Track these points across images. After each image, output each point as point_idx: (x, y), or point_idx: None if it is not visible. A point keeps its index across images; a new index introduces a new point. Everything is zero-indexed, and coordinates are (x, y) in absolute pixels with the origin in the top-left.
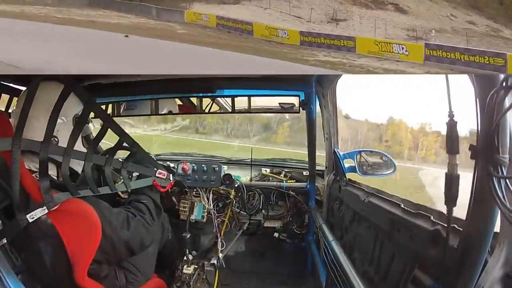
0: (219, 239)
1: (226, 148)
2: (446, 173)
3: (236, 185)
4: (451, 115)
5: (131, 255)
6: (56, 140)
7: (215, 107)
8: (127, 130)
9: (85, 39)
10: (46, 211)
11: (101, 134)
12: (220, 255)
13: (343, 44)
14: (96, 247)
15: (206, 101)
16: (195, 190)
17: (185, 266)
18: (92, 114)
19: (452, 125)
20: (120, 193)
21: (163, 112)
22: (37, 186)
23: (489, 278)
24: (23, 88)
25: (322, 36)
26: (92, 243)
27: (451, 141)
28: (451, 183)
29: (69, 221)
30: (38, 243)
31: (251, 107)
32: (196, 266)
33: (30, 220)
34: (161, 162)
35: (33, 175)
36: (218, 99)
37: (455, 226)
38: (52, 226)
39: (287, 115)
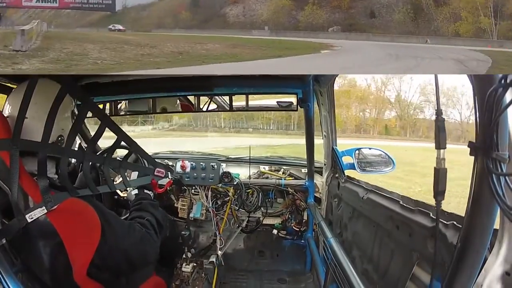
0: (218, 237)
1: None
2: (434, 168)
3: (234, 183)
4: (439, 112)
5: (130, 267)
6: (63, 138)
7: (212, 105)
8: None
9: None
10: (45, 211)
11: (99, 133)
12: (219, 252)
13: None
14: (95, 246)
15: (204, 99)
16: (193, 188)
17: (184, 264)
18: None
19: (439, 121)
20: (119, 191)
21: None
22: (35, 186)
23: (488, 276)
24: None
25: None
26: (91, 242)
27: (439, 137)
28: (439, 177)
29: (68, 221)
30: (37, 243)
31: (249, 105)
32: (195, 264)
33: (29, 220)
34: (159, 160)
35: (32, 176)
36: (216, 97)
37: (454, 223)
38: (51, 226)
39: None
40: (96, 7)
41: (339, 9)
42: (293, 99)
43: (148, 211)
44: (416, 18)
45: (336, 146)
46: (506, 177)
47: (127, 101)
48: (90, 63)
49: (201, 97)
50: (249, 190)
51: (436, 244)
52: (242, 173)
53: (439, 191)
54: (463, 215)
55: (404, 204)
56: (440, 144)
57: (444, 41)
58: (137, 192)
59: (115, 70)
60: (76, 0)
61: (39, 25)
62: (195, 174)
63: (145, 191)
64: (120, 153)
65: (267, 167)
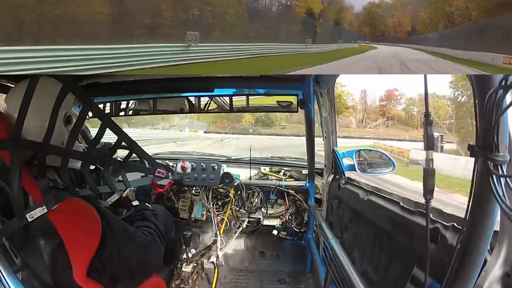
0: (218, 237)
1: None
2: (424, 168)
3: (235, 184)
4: (427, 114)
5: (130, 274)
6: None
7: (213, 106)
8: None
9: None
10: (46, 210)
11: (100, 133)
12: (219, 253)
13: None
14: (95, 247)
15: (204, 100)
16: (194, 188)
17: (184, 264)
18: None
19: (428, 124)
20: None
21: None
22: (36, 186)
23: (488, 277)
24: None
25: None
26: (92, 242)
27: (428, 138)
28: (427, 177)
29: (69, 220)
30: (38, 242)
31: (249, 106)
32: (195, 264)
33: (29, 220)
34: (159, 161)
35: (33, 175)
36: (216, 98)
37: (455, 224)
38: (52, 225)
39: None
40: None
41: None
42: (293, 99)
43: (151, 221)
44: None
45: (337, 147)
46: (507, 179)
47: (128, 101)
48: None
49: (201, 98)
50: (249, 191)
51: (428, 243)
52: (243, 174)
53: (428, 190)
54: (463, 216)
55: (405, 206)
56: (428, 145)
57: None
58: (137, 203)
59: None
60: None
61: None
62: (195, 175)
63: (146, 204)
64: (120, 153)
65: (267, 168)
